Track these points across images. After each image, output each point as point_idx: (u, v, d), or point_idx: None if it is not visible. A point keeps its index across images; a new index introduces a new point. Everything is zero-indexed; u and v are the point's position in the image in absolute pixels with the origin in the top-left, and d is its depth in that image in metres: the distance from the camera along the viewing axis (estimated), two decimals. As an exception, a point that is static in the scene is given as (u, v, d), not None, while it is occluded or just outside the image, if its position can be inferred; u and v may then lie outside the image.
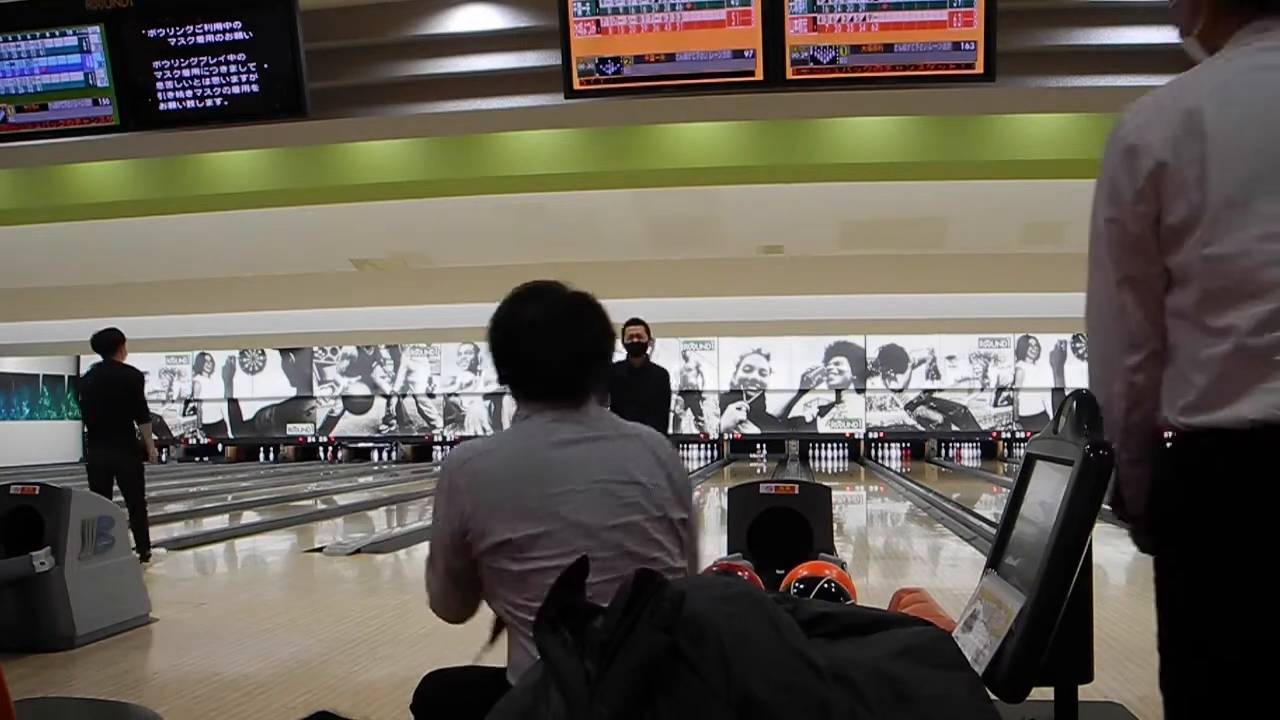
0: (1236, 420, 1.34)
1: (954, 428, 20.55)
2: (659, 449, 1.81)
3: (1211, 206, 1.35)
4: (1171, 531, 1.47)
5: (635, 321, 6.39)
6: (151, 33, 4.92)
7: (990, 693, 1.45)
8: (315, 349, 21.77)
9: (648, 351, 6.49)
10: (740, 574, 2.86)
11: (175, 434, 22.44)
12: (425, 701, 1.85)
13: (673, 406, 8.40)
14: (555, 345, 1.77)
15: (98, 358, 6.80)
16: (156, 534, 8.60)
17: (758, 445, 21.18)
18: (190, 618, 5.14)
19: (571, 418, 1.77)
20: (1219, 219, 1.35)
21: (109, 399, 6.63)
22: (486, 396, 21.56)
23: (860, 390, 20.72)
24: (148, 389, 6.86)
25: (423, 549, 8.85)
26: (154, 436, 7.00)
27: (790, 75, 4.55)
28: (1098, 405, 1.57)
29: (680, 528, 1.79)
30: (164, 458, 22.32)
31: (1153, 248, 1.43)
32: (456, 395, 21.71)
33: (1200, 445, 1.39)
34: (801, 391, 20.83)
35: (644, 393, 6.11)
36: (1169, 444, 1.47)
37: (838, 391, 20.76)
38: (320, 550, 7.60)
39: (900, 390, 20.65)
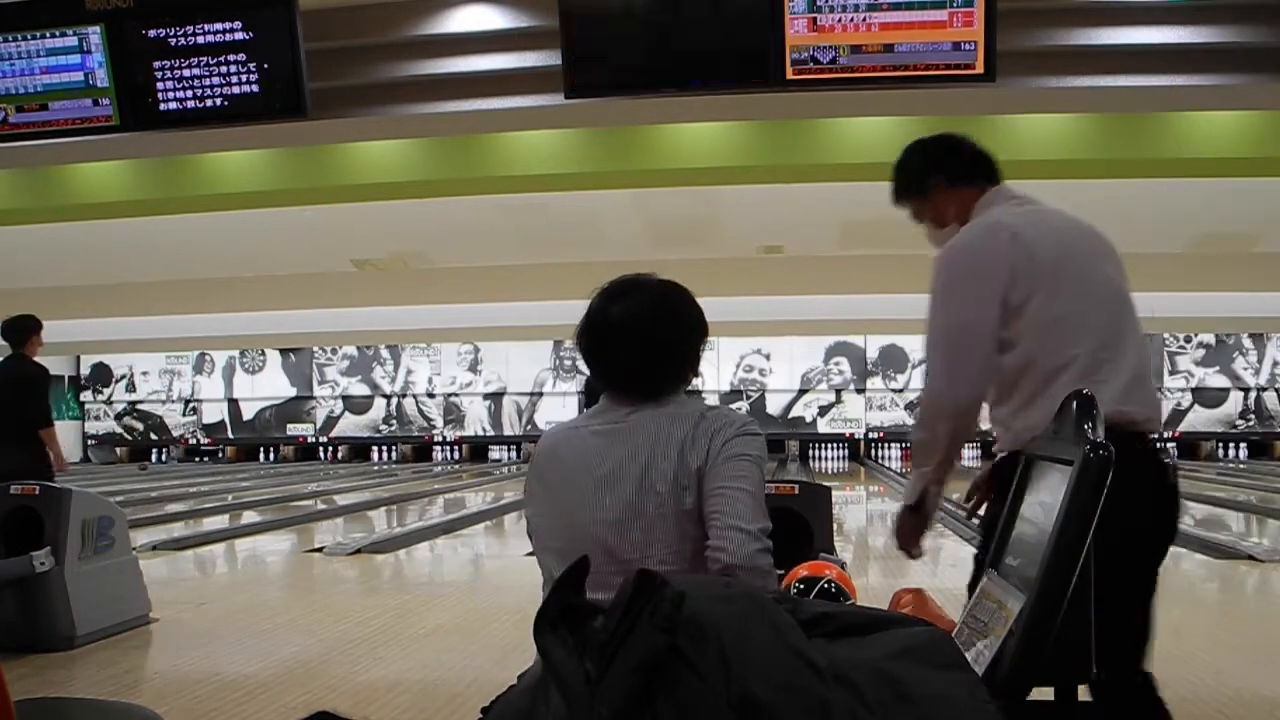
0: None
1: (954, 428, 20.52)
2: (690, 428, 1.74)
3: (1041, 289, 2.05)
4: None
5: None
6: (151, 33, 4.92)
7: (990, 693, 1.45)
8: (315, 349, 21.77)
9: None
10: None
11: (175, 434, 22.41)
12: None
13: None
14: (626, 346, 1.79)
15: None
16: (157, 534, 8.61)
17: (758, 445, 21.19)
18: (190, 618, 5.15)
19: (631, 412, 1.78)
20: (1049, 295, 2.05)
21: (7, 398, 5.89)
22: (486, 396, 21.56)
23: (860, 390, 20.71)
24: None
25: (422, 549, 8.86)
26: (59, 441, 5.99)
27: (790, 75, 4.55)
28: (1096, 405, 1.66)
29: (688, 520, 1.71)
30: (164, 457, 22.39)
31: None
32: (456, 395, 21.71)
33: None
34: (801, 391, 20.83)
35: None
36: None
37: (838, 391, 20.76)
38: (320, 550, 7.60)
39: (900, 390, 20.63)
